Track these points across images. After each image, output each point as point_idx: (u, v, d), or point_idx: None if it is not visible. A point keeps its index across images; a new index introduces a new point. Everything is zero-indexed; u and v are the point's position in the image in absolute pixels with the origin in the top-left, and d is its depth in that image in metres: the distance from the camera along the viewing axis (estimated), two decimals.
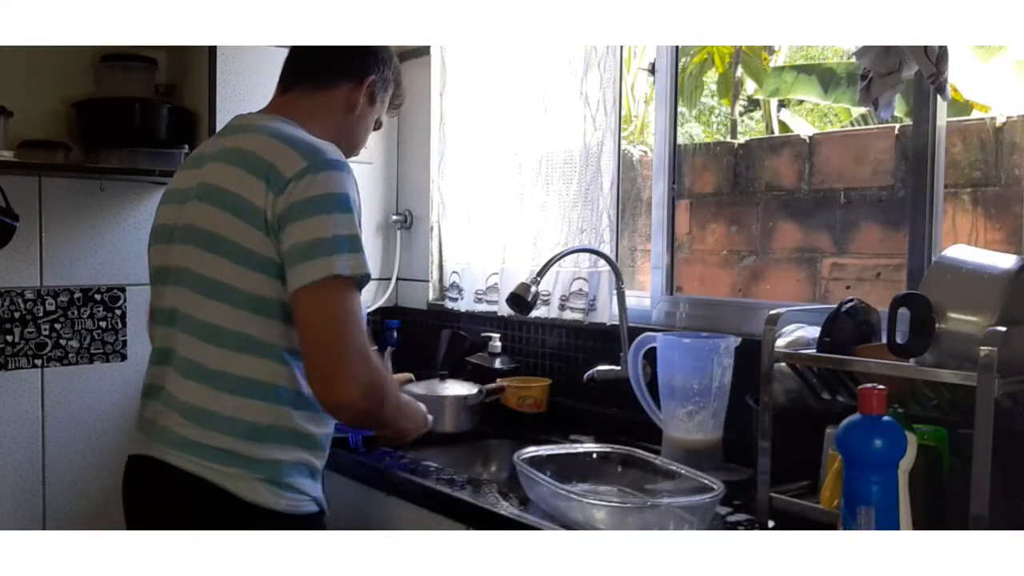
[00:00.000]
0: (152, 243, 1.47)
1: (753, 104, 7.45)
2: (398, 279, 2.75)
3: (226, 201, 1.32)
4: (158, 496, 1.38)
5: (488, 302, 2.41)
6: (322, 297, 1.26)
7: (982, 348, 1.10)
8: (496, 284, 2.37)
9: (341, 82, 1.47)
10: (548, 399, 2.13)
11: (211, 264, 1.32)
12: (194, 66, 2.23)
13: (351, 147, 1.51)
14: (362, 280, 1.29)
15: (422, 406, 1.56)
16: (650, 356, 1.83)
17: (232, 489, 1.30)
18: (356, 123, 1.51)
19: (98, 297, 2.29)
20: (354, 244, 1.28)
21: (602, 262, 2.08)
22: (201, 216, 1.34)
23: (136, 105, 2.15)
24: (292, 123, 1.41)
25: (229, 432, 1.31)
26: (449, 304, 2.54)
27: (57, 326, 2.23)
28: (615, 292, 2.03)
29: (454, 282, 2.53)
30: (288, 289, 1.27)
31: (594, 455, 1.67)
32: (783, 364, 1.42)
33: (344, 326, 1.25)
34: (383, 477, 1.68)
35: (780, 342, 1.47)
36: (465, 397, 2.01)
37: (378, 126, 1.58)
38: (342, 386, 1.24)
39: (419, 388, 2.03)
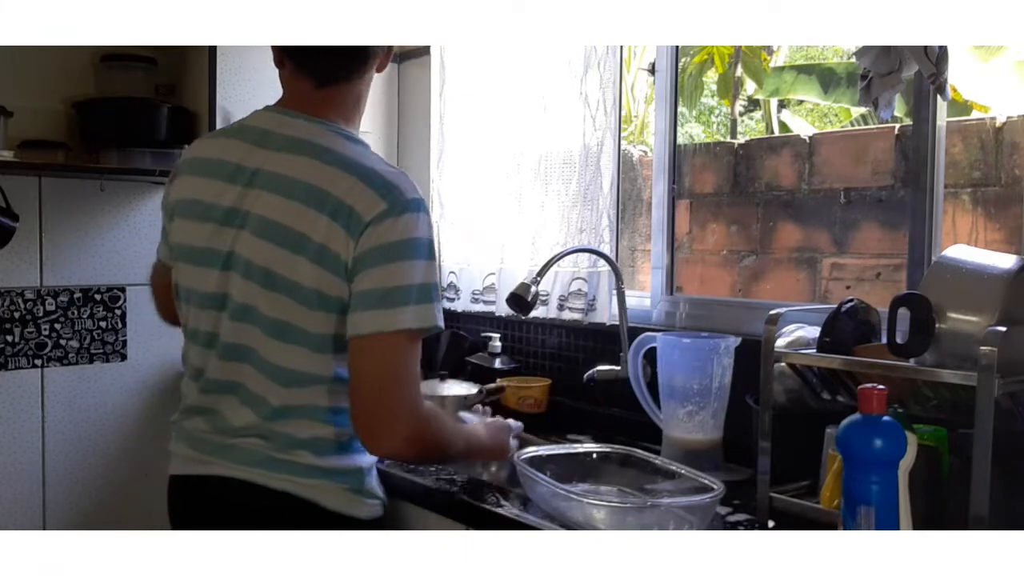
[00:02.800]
0: (185, 259, 1.37)
1: (753, 104, 7.46)
2: None
3: (287, 239, 1.25)
4: (233, 514, 1.33)
5: (485, 302, 2.41)
6: (379, 349, 1.22)
7: (982, 348, 1.10)
8: (493, 284, 2.37)
9: (372, 62, 1.40)
10: (548, 399, 2.13)
11: (282, 306, 1.27)
12: (194, 66, 2.23)
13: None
14: (430, 331, 1.25)
15: (500, 436, 1.56)
16: (650, 356, 1.83)
17: (321, 501, 1.31)
18: (365, 94, 1.45)
19: (98, 297, 2.29)
20: (425, 294, 1.24)
21: (602, 262, 2.08)
22: (261, 253, 1.28)
23: (136, 105, 2.15)
24: (341, 130, 1.34)
25: (323, 452, 1.32)
26: (447, 304, 2.54)
27: (57, 326, 2.23)
28: (615, 292, 2.03)
29: (451, 282, 2.53)
30: (348, 332, 1.24)
31: (594, 455, 1.67)
32: (783, 364, 1.42)
33: (396, 382, 1.23)
34: (384, 477, 1.68)
35: (780, 342, 1.47)
36: (465, 397, 2.01)
37: None
38: (386, 438, 1.24)
39: None
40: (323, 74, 1.36)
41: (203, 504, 1.37)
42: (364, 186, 1.25)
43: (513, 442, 1.60)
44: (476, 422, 1.61)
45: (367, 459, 1.36)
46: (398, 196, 1.25)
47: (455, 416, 1.69)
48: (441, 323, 1.26)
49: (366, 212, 1.23)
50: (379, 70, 1.42)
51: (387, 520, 1.42)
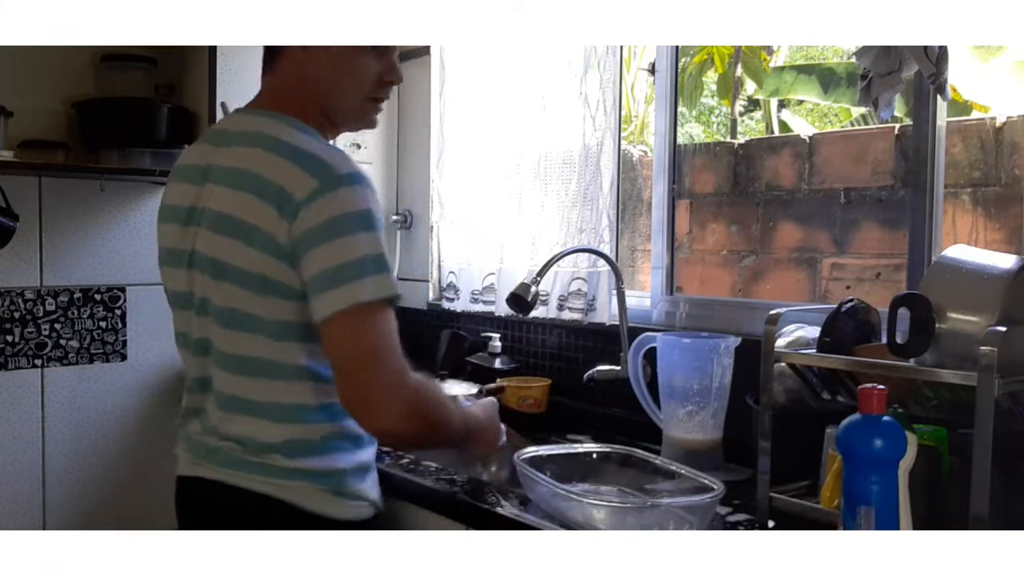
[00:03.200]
0: (163, 263, 1.42)
1: (753, 104, 7.46)
2: (398, 279, 2.74)
3: (237, 230, 1.26)
4: (222, 516, 1.34)
5: (484, 302, 2.41)
6: (349, 326, 1.21)
7: (982, 348, 1.10)
8: (493, 284, 2.37)
9: (288, 50, 1.35)
10: (548, 399, 2.13)
11: (230, 295, 1.28)
12: (194, 66, 2.23)
13: (348, 108, 1.38)
14: (392, 301, 1.23)
15: (493, 413, 1.54)
16: (650, 356, 1.83)
17: (299, 503, 1.29)
18: (322, 70, 1.35)
19: (98, 297, 2.29)
20: (379, 264, 1.22)
21: (601, 262, 2.08)
22: (214, 246, 1.29)
23: (136, 105, 2.15)
24: (286, 119, 1.33)
25: (295, 455, 1.30)
26: (446, 304, 2.54)
27: (57, 326, 2.23)
28: (615, 292, 2.03)
29: (451, 282, 2.53)
30: (314, 318, 1.22)
31: (594, 455, 1.67)
32: (783, 364, 1.42)
33: (375, 353, 1.21)
34: (383, 477, 1.68)
35: (780, 342, 1.47)
36: (465, 397, 2.01)
37: (386, 73, 1.39)
38: (378, 414, 1.21)
39: None
40: (263, 67, 1.39)
41: (199, 506, 1.38)
42: (294, 166, 1.24)
43: (500, 425, 1.58)
44: (470, 404, 1.59)
45: (350, 459, 1.33)
46: (329, 172, 1.24)
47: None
48: (394, 292, 1.24)
49: (298, 192, 1.22)
50: (296, 51, 1.36)
51: (380, 523, 1.40)
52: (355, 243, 1.21)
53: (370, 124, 1.45)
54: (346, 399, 1.23)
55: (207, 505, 1.36)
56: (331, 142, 1.38)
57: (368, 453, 1.38)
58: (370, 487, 1.37)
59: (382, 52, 1.36)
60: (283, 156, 1.26)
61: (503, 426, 1.59)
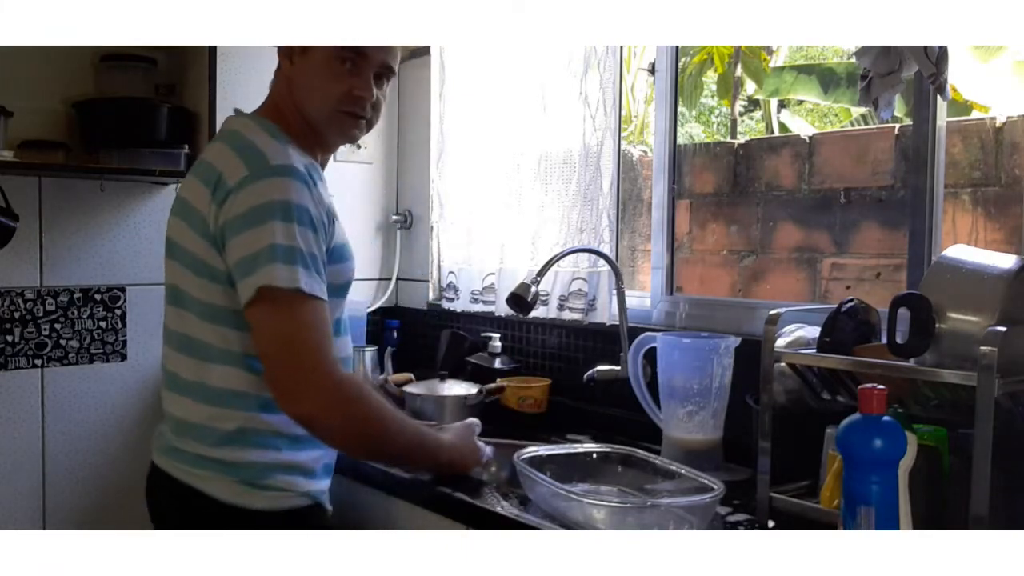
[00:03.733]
0: None
1: (753, 104, 7.46)
2: (398, 279, 2.75)
3: (185, 212, 1.34)
4: (158, 499, 1.42)
5: (484, 302, 2.41)
6: (267, 311, 1.23)
7: (982, 348, 1.10)
8: (493, 284, 2.37)
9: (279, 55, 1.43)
10: (548, 399, 2.13)
11: (177, 275, 1.35)
12: (194, 66, 2.22)
13: (324, 119, 1.39)
14: (300, 293, 1.22)
15: (466, 432, 1.58)
16: (650, 356, 1.83)
17: (209, 492, 1.31)
18: (300, 80, 1.39)
19: (98, 297, 2.29)
20: (290, 255, 1.23)
21: (602, 262, 2.08)
22: (172, 228, 1.38)
23: (136, 105, 2.14)
24: (262, 120, 1.39)
25: (203, 440, 1.33)
26: (446, 304, 2.54)
27: (57, 326, 2.23)
28: (615, 292, 2.03)
29: (451, 282, 2.53)
30: (241, 304, 1.26)
31: (594, 455, 1.67)
32: (783, 364, 1.42)
33: (290, 340, 1.23)
34: (383, 477, 1.68)
35: (780, 342, 1.47)
36: (465, 397, 2.01)
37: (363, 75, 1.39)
38: (300, 400, 1.23)
39: (419, 388, 2.03)
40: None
41: (149, 494, 1.44)
42: (233, 154, 1.30)
43: (480, 444, 1.60)
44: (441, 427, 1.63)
45: (275, 456, 1.33)
46: (260, 162, 1.28)
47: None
48: (312, 290, 1.24)
49: (231, 178, 1.27)
50: (284, 61, 1.42)
51: (321, 517, 1.39)
52: (270, 231, 1.23)
53: (349, 138, 1.46)
54: (269, 386, 1.26)
55: (151, 492, 1.43)
56: (323, 154, 1.46)
57: (310, 455, 1.36)
58: (300, 483, 1.35)
59: (358, 65, 1.38)
60: (230, 147, 1.33)
61: (486, 447, 1.60)
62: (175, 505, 1.36)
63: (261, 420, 1.32)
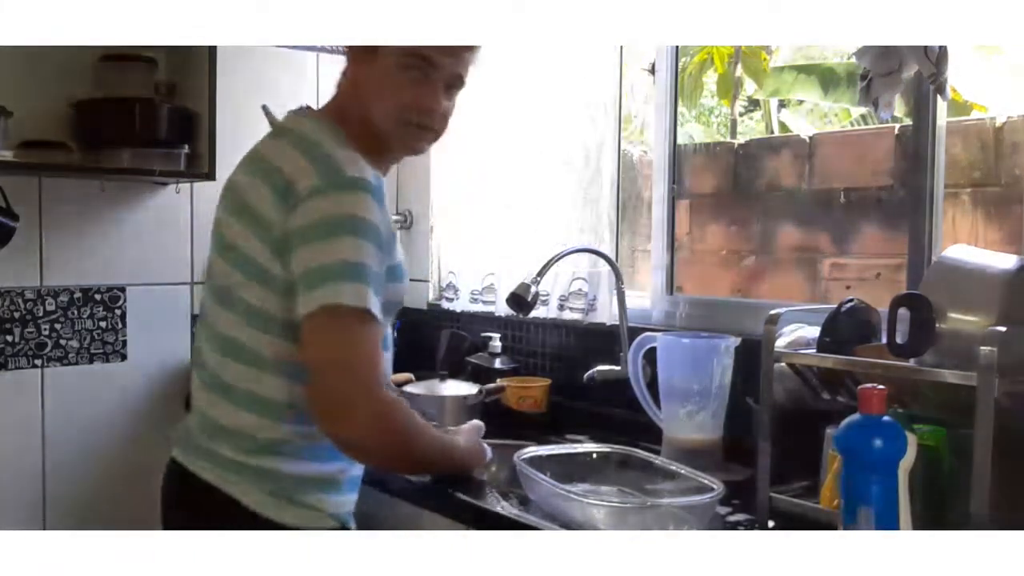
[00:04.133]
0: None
1: (753, 104, 7.46)
2: None
3: (246, 215, 1.28)
4: (178, 499, 1.38)
5: (484, 302, 2.41)
6: (327, 327, 1.19)
7: (982, 348, 1.10)
8: (493, 284, 2.37)
9: (349, 61, 1.38)
10: (548, 399, 2.13)
11: (230, 277, 1.30)
12: (194, 66, 2.22)
13: (388, 130, 1.34)
14: (365, 312, 1.19)
15: (475, 437, 1.56)
16: (650, 356, 1.83)
17: (241, 499, 1.28)
18: (367, 86, 1.34)
19: (98, 297, 2.29)
20: (359, 273, 1.19)
21: (601, 262, 2.07)
22: (228, 229, 1.32)
23: (136, 105, 2.14)
24: (326, 123, 1.33)
25: (240, 446, 1.29)
26: (445, 304, 2.54)
27: (57, 326, 2.23)
28: (615, 292, 2.03)
29: (450, 282, 2.53)
30: (297, 317, 1.21)
31: (594, 455, 1.67)
32: (783, 364, 1.42)
33: (345, 359, 1.19)
34: (384, 477, 1.68)
35: (780, 342, 1.47)
36: (465, 397, 2.01)
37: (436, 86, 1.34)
38: (339, 421, 1.19)
39: (419, 388, 2.03)
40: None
41: (167, 492, 1.40)
42: (305, 160, 1.25)
43: (484, 445, 1.58)
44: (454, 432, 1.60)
45: (309, 468, 1.30)
46: (335, 172, 1.23)
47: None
48: (375, 310, 1.20)
49: (302, 185, 1.22)
50: (351, 66, 1.37)
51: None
52: (341, 246, 1.19)
53: (414, 151, 1.41)
54: (311, 402, 1.21)
55: (170, 491, 1.39)
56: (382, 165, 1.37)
57: (333, 466, 1.34)
58: (330, 502, 1.33)
59: (428, 75, 1.33)
60: (299, 150, 1.28)
61: (488, 448, 1.59)
62: (201, 507, 1.31)
63: (300, 432, 1.29)
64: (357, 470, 1.40)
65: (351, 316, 1.18)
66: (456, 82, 1.37)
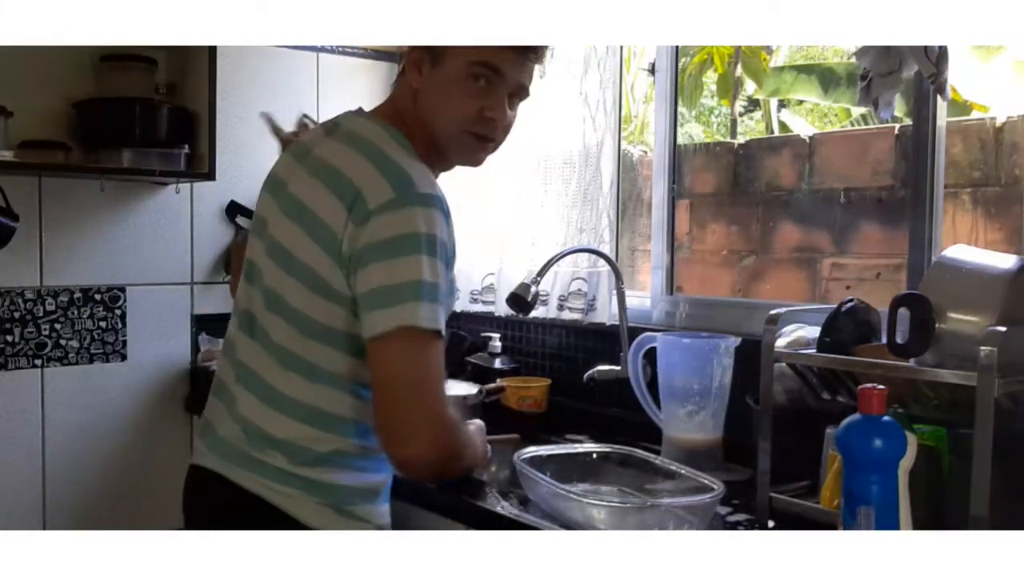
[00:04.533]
0: (250, 230, 1.41)
1: (753, 104, 7.45)
2: None
3: (306, 221, 1.24)
4: (211, 506, 1.33)
5: (484, 302, 2.41)
6: (402, 349, 1.17)
7: (982, 348, 1.10)
8: (492, 284, 2.37)
9: (404, 64, 1.34)
10: (548, 399, 2.13)
11: (286, 286, 1.26)
12: (194, 66, 2.23)
13: (447, 138, 1.32)
14: (437, 333, 1.18)
15: (482, 439, 1.51)
16: (650, 356, 1.83)
17: (291, 511, 1.25)
18: (429, 93, 1.30)
19: (98, 297, 2.29)
20: (433, 294, 1.17)
21: (601, 262, 2.08)
22: (284, 233, 1.27)
23: (136, 105, 2.14)
24: (392, 130, 1.30)
25: (293, 457, 1.26)
26: None
27: (57, 326, 2.23)
28: (615, 292, 2.03)
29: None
30: (364, 334, 1.19)
31: (594, 455, 1.67)
32: (783, 364, 1.42)
33: (418, 381, 1.17)
34: None
35: (780, 342, 1.47)
36: (465, 397, 2.01)
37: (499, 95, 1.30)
38: (408, 442, 1.17)
39: None
40: (399, 72, 1.38)
41: (198, 499, 1.36)
42: (377, 173, 1.21)
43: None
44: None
45: (360, 478, 1.29)
46: (408, 187, 1.20)
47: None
48: (442, 327, 1.19)
49: (373, 199, 1.18)
50: (413, 71, 1.32)
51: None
52: (416, 265, 1.16)
53: (473, 162, 1.39)
54: (380, 422, 1.19)
55: (206, 499, 1.34)
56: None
57: (379, 477, 1.33)
58: (374, 512, 1.32)
59: (492, 83, 1.29)
60: (369, 160, 1.24)
61: (488, 447, 1.56)
62: (243, 518, 1.27)
63: (354, 444, 1.28)
64: (392, 479, 1.38)
65: (425, 337, 1.17)
66: (520, 92, 1.34)
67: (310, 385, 1.26)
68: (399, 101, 1.35)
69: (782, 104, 6.24)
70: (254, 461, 1.28)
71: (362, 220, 1.18)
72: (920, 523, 1.13)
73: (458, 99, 1.29)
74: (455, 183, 2.48)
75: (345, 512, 1.28)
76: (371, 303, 1.17)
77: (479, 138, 1.32)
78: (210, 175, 2.20)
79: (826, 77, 4.38)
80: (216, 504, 1.32)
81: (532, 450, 1.59)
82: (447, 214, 1.23)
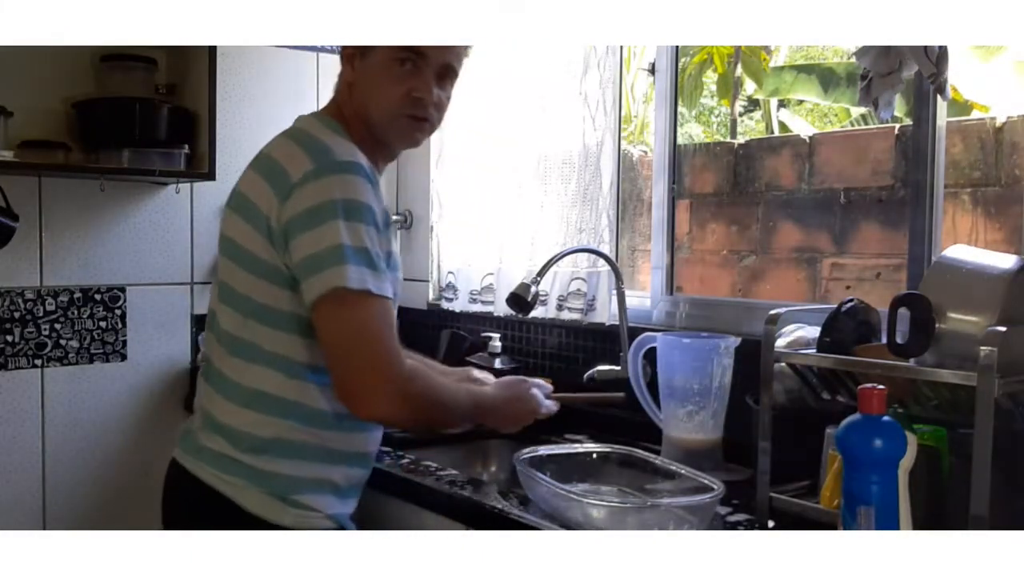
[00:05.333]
0: None
1: (753, 104, 7.45)
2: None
3: (245, 210, 1.30)
4: (178, 500, 1.39)
5: (483, 302, 2.40)
6: (335, 312, 1.21)
7: (982, 348, 1.10)
8: (492, 284, 2.37)
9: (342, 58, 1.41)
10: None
11: (230, 272, 1.31)
12: (194, 66, 2.23)
13: (382, 123, 1.36)
14: (369, 295, 1.21)
15: (517, 389, 1.52)
16: (650, 356, 1.83)
17: (237, 500, 1.28)
18: (360, 83, 1.36)
19: (98, 297, 2.29)
20: (357, 255, 1.21)
21: (601, 262, 2.07)
22: (229, 225, 1.34)
23: (136, 105, 2.14)
24: (327, 119, 1.36)
25: (238, 444, 1.29)
26: (445, 304, 2.54)
27: (57, 326, 2.23)
28: (615, 292, 2.02)
29: (450, 282, 2.53)
30: (305, 305, 1.23)
31: (594, 455, 1.67)
32: (783, 364, 1.42)
33: (360, 340, 1.21)
34: (383, 477, 1.68)
35: (780, 342, 1.47)
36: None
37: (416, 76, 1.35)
38: (369, 402, 1.21)
39: None
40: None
41: (168, 492, 1.41)
42: (298, 148, 1.27)
43: (538, 394, 1.55)
44: (488, 381, 1.58)
45: (311, 470, 1.31)
46: (326, 157, 1.25)
47: (466, 376, 1.62)
48: (381, 290, 1.22)
49: (294, 174, 1.24)
50: (346, 66, 1.39)
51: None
52: (337, 230, 1.20)
53: (412, 142, 1.42)
54: (337, 389, 1.23)
55: (171, 492, 1.39)
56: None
57: (343, 474, 1.35)
58: (328, 503, 1.33)
59: (418, 66, 1.34)
60: (295, 141, 1.30)
61: (538, 392, 1.55)
62: (198, 508, 1.32)
63: (299, 431, 1.30)
64: (361, 476, 1.40)
65: (356, 297, 1.20)
66: (447, 72, 1.40)
67: (252, 367, 1.30)
68: (339, 97, 1.41)
69: (782, 104, 6.24)
70: (204, 449, 1.32)
71: (286, 196, 1.23)
72: (920, 523, 1.13)
73: (387, 84, 1.34)
74: (455, 183, 2.49)
75: (291, 502, 1.30)
76: (302, 274, 1.22)
77: (413, 119, 1.37)
78: (210, 175, 2.20)
79: (826, 77, 4.38)
80: (179, 496, 1.38)
81: (532, 450, 1.59)
82: (370, 179, 1.26)
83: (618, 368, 1.98)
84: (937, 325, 1.21)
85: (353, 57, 1.37)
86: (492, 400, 1.49)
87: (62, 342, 2.25)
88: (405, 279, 2.72)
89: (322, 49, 2.54)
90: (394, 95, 1.34)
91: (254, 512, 1.28)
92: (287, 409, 1.29)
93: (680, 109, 2.27)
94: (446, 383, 1.41)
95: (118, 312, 2.32)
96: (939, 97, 1.54)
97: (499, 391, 1.53)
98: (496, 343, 2.28)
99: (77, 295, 2.26)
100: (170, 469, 1.40)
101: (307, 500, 1.31)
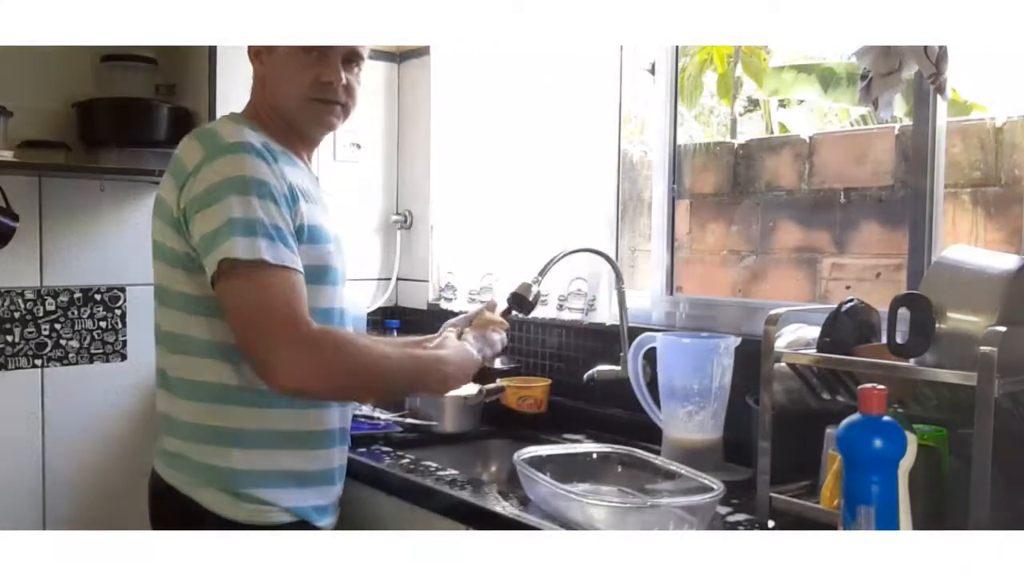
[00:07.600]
0: None
1: (753, 104, 7.45)
2: (398, 279, 2.75)
3: (159, 207, 1.35)
4: (154, 505, 1.42)
5: (482, 302, 2.40)
6: (232, 284, 1.21)
7: (982, 348, 1.10)
8: (491, 284, 2.37)
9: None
10: (548, 399, 2.13)
11: (160, 273, 1.36)
12: (194, 66, 2.22)
13: (295, 110, 1.40)
14: (261, 264, 1.20)
15: (457, 345, 1.48)
16: (650, 356, 1.83)
17: (197, 498, 1.31)
18: (270, 77, 1.41)
19: (98, 297, 2.29)
20: (249, 227, 1.21)
21: (602, 262, 2.07)
22: (153, 227, 1.38)
23: (136, 105, 2.14)
24: (236, 116, 1.41)
25: (187, 438, 1.32)
26: (444, 304, 2.54)
27: (57, 326, 2.23)
28: (615, 292, 2.02)
29: (449, 282, 2.53)
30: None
31: (594, 455, 1.67)
32: (783, 364, 1.42)
33: (259, 309, 1.20)
34: (383, 477, 1.68)
35: (780, 342, 1.47)
36: (465, 397, 2.01)
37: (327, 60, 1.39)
38: (277, 373, 1.18)
39: None
40: None
41: (148, 497, 1.43)
42: (194, 141, 1.31)
43: (496, 336, 1.58)
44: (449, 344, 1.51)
45: (257, 460, 1.32)
46: (215, 142, 1.29)
47: (417, 343, 1.58)
48: (280, 260, 1.22)
49: (189, 161, 1.28)
50: (256, 62, 1.43)
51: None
52: (227, 206, 1.22)
53: (326, 126, 1.45)
54: (246, 358, 1.25)
55: (150, 497, 1.42)
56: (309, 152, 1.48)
57: (301, 459, 1.34)
58: (283, 496, 1.33)
59: (324, 53, 1.38)
60: (194, 136, 1.34)
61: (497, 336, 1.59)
62: (166, 507, 1.36)
63: (243, 416, 1.30)
64: (326, 463, 1.39)
65: (248, 268, 1.20)
66: (354, 57, 1.43)
67: (188, 359, 1.32)
68: (254, 95, 1.44)
69: (782, 104, 6.24)
70: (162, 450, 1.37)
71: (184, 185, 1.27)
72: (920, 523, 1.13)
73: (295, 73, 1.38)
74: (455, 183, 2.49)
75: (243, 496, 1.30)
76: (203, 254, 1.25)
77: (324, 103, 1.40)
78: None
79: (826, 77, 4.38)
80: (154, 501, 1.40)
81: (532, 450, 1.59)
82: (263, 156, 1.28)
83: (618, 368, 1.98)
84: (937, 325, 1.22)
85: (260, 53, 1.41)
86: (438, 356, 1.42)
87: (62, 342, 2.24)
88: (405, 279, 2.73)
89: None
90: (303, 82, 1.38)
91: (210, 508, 1.30)
92: (226, 394, 1.30)
93: (680, 109, 2.26)
94: (377, 347, 1.34)
95: (118, 312, 2.32)
96: (939, 97, 1.54)
97: (450, 346, 1.47)
98: None
99: (77, 295, 2.26)
100: (151, 474, 1.43)
101: (260, 494, 1.31)
